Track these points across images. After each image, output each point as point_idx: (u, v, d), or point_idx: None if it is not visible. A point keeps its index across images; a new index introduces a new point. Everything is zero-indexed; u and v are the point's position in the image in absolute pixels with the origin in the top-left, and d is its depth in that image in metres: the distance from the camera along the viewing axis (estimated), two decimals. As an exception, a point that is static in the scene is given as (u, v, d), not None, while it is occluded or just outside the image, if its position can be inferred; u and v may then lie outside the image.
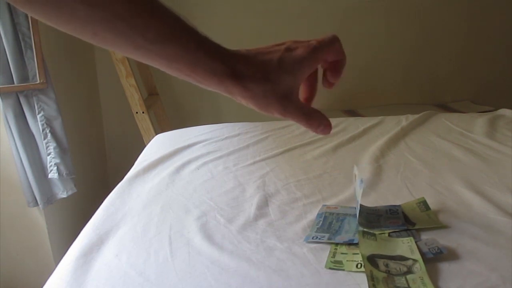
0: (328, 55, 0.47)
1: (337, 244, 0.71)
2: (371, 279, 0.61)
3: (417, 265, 0.64)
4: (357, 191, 0.79)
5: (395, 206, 0.82)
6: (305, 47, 0.45)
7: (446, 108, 2.31)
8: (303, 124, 0.46)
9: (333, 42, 0.47)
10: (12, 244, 1.63)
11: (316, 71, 0.49)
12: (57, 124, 1.53)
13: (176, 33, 0.41)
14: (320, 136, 1.32)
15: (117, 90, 1.98)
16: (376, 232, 0.74)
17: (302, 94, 0.50)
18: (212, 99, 2.40)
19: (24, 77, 1.45)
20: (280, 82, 0.43)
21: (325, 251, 0.70)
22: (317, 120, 0.47)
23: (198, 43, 0.41)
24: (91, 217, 0.86)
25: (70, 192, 1.60)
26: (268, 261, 0.67)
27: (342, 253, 0.69)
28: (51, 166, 1.52)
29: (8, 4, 1.38)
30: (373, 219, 0.79)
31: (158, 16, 0.40)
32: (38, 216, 1.62)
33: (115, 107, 2.31)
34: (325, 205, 0.86)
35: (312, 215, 0.82)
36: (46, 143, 1.51)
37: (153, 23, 0.40)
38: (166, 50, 0.41)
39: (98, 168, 2.31)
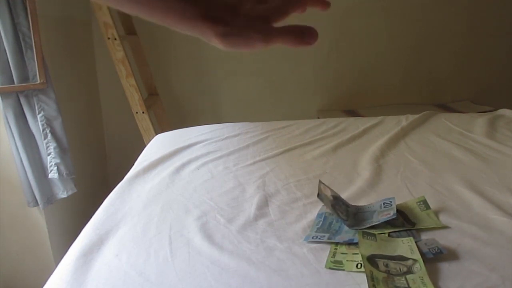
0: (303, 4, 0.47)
1: (337, 244, 0.71)
2: (371, 279, 0.61)
3: (417, 265, 0.64)
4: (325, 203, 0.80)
5: (389, 198, 0.82)
6: None
7: (446, 108, 2.31)
8: (291, 41, 0.45)
9: None
10: (12, 244, 1.63)
11: None
12: (57, 124, 1.53)
13: None
14: (320, 136, 1.32)
15: (117, 90, 1.98)
16: (376, 232, 0.74)
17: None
18: (212, 99, 2.40)
19: (24, 77, 1.45)
20: (254, 20, 0.44)
21: (325, 251, 0.70)
22: (301, 32, 0.45)
23: None
24: (91, 217, 0.86)
25: (70, 192, 1.59)
26: (268, 261, 0.67)
27: (342, 253, 0.69)
28: (51, 166, 1.52)
29: (8, 4, 1.38)
30: (367, 216, 0.79)
31: None
32: (38, 216, 1.62)
33: (115, 107, 2.31)
34: (324, 205, 0.86)
35: (312, 215, 0.82)
36: (46, 143, 1.51)
37: None
38: None
39: (98, 168, 2.31)
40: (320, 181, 0.83)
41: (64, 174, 1.54)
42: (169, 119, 2.23)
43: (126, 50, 1.82)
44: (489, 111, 1.67)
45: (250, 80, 2.37)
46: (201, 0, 0.43)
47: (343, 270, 0.64)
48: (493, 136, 1.24)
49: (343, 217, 0.78)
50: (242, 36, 0.44)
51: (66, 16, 1.96)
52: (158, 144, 1.31)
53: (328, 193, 0.82)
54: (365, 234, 0.72)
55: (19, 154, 1.48)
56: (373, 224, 0.75)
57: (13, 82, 1.43)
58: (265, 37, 0.44)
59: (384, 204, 0.81)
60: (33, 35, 1.42)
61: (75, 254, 0.72)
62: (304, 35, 0.45)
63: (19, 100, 1.47)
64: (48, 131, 1.50)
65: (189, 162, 1.13)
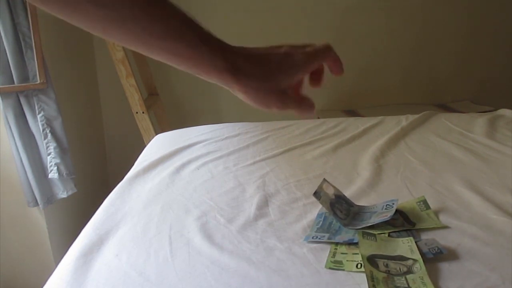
0: (323, 61, 0.50)
1: (337, 244, 0.71)
2: (371, 279, 0.61)
3: (417, 265, 0.64)
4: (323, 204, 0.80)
5: (392, 200, 0.82)
6: (303, 54, 0.48)
7: (446, 108, 2.31)
8: (296, 112, 0.50)
9: (327, 50, 0.50)
10: (12, 244, 1.63)
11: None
12: (57, 124, 1.53)
13: (181, 31, 0.43)
14: (320, 136, 1.32)
15: (117, 90, 1.98)
16: (376, 232, 0.74)
17: (310, 80, 0.53)
18: (212, 99, 2.40)
19: (24, 77, 1.45)
20: (277, 82, 0.47)
21: (325, 251, 0.70)
22: (308, 107, 0.51)
23: (202, 39, 0.44)
24: (91, 217, 0.86)
25: (70, 192, 1.60)
26: (268, 261, 0.67)
27: (342, 253, 0.69)
28: (51, 166, 1.52)
29: (9, 4, 1.38)
30: (366, 217, 0.79)
31: (165, 14, 0.42)
32: (38, 216, 1.62)
33: (115, 107, 2.31)
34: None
35: (312, 215, 0.82)
36: (46, 143, 1.51)
37: (160, 21, 0.42)
38: (170, 46, 0.43)
39: (98, 168, 2.31)
40: (324, 179, 0.83)
41: (64, 174, 1.54)
42: (169, 119, 2.23)
43: (126, 50, 1.82)
44: (489, 111, 1.67)
45: (250, 80, 2.37)
46: (230, 55, 0.45)
47: (343, 270, 0.65)
48: (493, 136, 1.24)
49: (341, 216, 0.78)
50: (264, 99, 0.47)
51: (66, 16, 1.96)
52: (158, 144, 1.31)
53: (331, 192, 0.82)
54: (365, 234, 0.72)
55: (19, 154, 1.48)
56: (368, 224, 0.75)
57: (13, 82, 1.43)
58: (282, 105, 0.48)
59: (386, 205, 0.80)
60: (33, 35, 1.42)
61: (75, 254, 0.72)
62: (305, 108, 0.50)
63: (19, 100, 1.47)
64: (48, 131, 1.51)
65: (189, 162, 1.13)
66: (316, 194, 0.79)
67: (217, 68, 0.44)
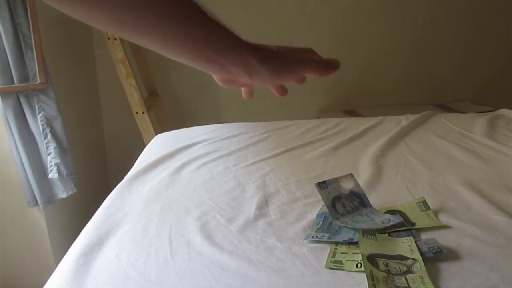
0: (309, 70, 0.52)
1: (337, 243, 0.71)
2: (371, 278, 0.61)
3: (417, 264, 0.64)
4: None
5: (398, 219, 0.77)
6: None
7: (446, 108, 2.31)
8: (320, 70, 0.51)
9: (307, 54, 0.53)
10: (12, 244, 1.63)
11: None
12: (57, 124, 1.52)
13: (197, 16, 0.47)
14: (320, 136, 1.32)
15: (117, 90, 1.98)
16: (376, 232, 0.73)
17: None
18: (212, 99, 2.40)
19: (24, 77, 1.45)
20: (287, 52, 0.51)
21: (325, 251, 0.70)
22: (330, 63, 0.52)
23: (215, 23, 0.49)
24: (91, 217, 0.86)
25: (70, 192, 1.59)
26: (268, 261, 0.67)
27: (342, 253, 0.69)
28: (51, 166, 1.52)
29: (9, 4, 1.38)
30: (362, 220, 0.79)
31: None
32: (38, 216, 1.62)
33: (115, 107, 2.31)
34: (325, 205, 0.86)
35: (312, 215, 0.82)
36: (46, 143, 1.51)
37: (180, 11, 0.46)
38: (189, 30, 0.47)
39: (98, 168, 2.31)
40: (351, 174, 0.84)
41: (64, 174, 1.54)
42: (169, 119, 2.24)
43: (126, 50, 1.82)
44: (489, 111, 1.67)
45: (250, 80, 2.37)
46: (241, 38, 0.49)
47: (343, 270, 0.65)
48: (493, 136, 1.24)
49: (340, 211, 0.78)
50: (283, 61, 0.50)
51: (66, 16, 1.95)
52: (158, 144, 1.31)
53: (348, 186, 0.82)
54: (365, 233, 0.72)
55: (19, 154, 1.48)
56: (353, 227, 0.75)
57: (13, 82, 1.43)
58: (302, 62, 0.50)
59: (389, 219, 0.78)
60: (33, 35, 1.42)
61: (75, 254, 0.72)
62: (328, 66, 0.51)
63: (19, 100, 1.47)
64: (48, 131, 1.50)
65: (189, 162, 1.13)
66: (322, 184, 0.79)
67: (235, 45, 0.48)
